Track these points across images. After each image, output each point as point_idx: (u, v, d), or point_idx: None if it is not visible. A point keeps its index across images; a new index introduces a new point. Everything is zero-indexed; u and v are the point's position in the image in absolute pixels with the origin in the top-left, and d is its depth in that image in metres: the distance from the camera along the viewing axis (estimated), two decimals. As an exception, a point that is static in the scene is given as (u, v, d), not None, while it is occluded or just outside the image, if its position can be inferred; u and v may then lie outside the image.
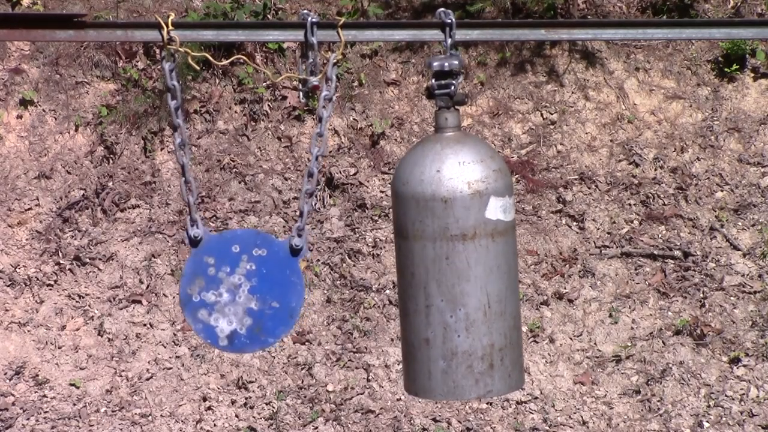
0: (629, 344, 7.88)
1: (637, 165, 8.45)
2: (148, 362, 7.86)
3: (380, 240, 8.18)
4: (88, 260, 8.13)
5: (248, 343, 3.75)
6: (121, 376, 7.82)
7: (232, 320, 3.73)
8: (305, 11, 3.76)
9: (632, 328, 7.94)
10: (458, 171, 3.58)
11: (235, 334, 3.74)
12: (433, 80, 3.67)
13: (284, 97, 8.58)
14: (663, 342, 7.87)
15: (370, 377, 7.79)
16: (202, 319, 3.73)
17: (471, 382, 3.62)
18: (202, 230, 3.72)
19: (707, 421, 7.59)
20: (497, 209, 3.59)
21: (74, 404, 7.73)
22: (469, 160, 3.59)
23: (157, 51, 8.35)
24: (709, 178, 8.42)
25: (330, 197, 8.36)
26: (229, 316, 3.73)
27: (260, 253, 3.73)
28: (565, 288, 8.07)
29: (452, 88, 3.66)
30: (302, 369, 7.82)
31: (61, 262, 8.13)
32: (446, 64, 3.65)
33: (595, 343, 7.91)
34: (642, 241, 8.22)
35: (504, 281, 3.61)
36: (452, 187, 3.57)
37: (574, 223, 8.31)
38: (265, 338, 3.75)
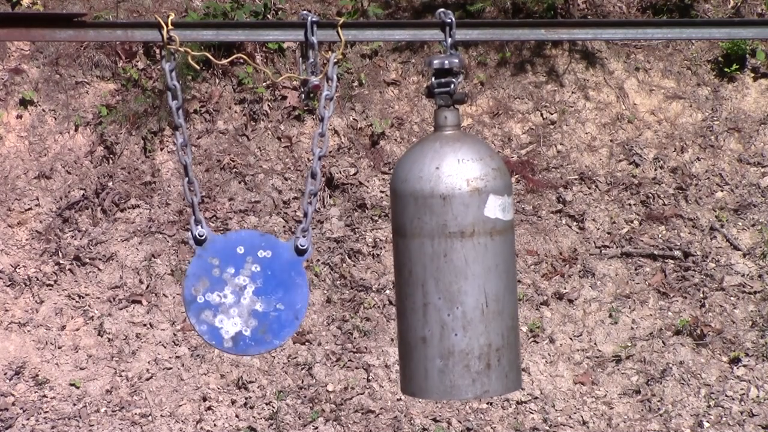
0: (629, 344, 7.88)
1: (637, 165, 8.45)
2: (148, 362, 7.86)
3: (380, 240, 8.18)
4: (88, 260, 8.13)
5: (253, 345, 3.73)
6: (121, 376, 7.82)
7: (237, 322, 3.72)
8: (305, 11, 3.77)
9: (632, 328, 7.94)
10: (457, 168, 3.57)
11: (239, 336, 3.72)
12: (433, 79, 3.67)
13: (284, 97, 8.58)
14: (663, 342, 7.87)
15: (370, 377, 7.79)
16: (206, 320, 3.72)
17: (468, 381, 3.61)
18: (206, 230, 3.72)
19: (707, 421, 7.59)
20: (496, 208, 3.58)
21: (74, 404, 7.73)
22: (468, 157, 3.59)
23: (157, 51, 8.35)
24: (709, 178, 8.42)
25: (330, 197, 8.36)
26: (234, 318, 3.72)
27: (265, 255, 3.72)
28: (565, 288, 8.07)
29: (452, 86, 3.66)
30: (302, 369, 7.82)
31: (61, 262, 8.13)
32: (446, 62, 3.66)
33: (595, 343, 7.91)
34: (642, 241, 8.22)
35: (502, 281, 3.60)
36: (451, 184, 3.56)
37: (574, 223, 8.31)
38: (270, 340, 3.74)
